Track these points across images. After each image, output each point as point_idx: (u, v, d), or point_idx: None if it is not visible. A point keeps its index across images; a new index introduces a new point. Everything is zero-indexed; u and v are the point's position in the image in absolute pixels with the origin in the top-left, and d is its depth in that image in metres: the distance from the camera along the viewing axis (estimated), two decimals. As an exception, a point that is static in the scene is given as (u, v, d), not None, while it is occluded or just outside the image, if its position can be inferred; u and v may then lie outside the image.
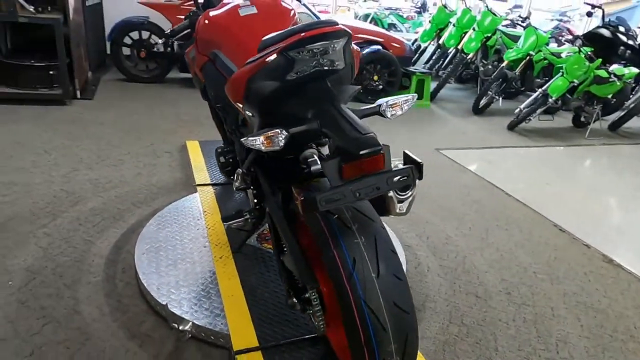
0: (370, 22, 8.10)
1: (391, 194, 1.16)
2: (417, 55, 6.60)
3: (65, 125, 3.36)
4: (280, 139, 0.89)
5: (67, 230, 2.03)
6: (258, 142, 0.87)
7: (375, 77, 5.10)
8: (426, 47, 6.49)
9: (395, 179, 0.89)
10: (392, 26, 8.01)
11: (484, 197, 2.95)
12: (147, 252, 1.82)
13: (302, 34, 0.85)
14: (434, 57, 6.25)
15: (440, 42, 6.05)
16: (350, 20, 5.93)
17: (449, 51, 5.92)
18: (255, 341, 1.42)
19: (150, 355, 1.43)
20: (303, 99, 0.94)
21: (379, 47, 5.01)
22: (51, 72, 3.76)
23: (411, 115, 4.89)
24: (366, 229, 0.98)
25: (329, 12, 7.73)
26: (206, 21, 1.55)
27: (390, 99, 0.97)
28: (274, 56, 0.88)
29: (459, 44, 5.60)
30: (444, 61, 6.03)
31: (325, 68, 0.89)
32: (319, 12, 8.48)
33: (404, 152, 0.95)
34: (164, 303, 1.52)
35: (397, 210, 1.17)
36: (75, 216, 2.15)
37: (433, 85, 5.59)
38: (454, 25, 5.83)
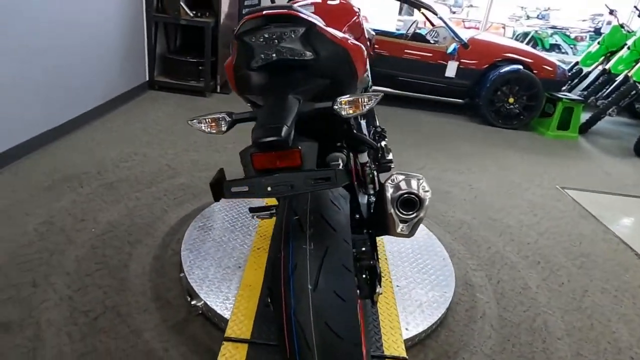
0: (529, 42, 7.32)
1: (391, 210, 1.04)
2: (576, 80, 5.72)
3: (197, 112, 3.87)
4: (222, 123, 0.87)
5: (153, 198, 2.34)
6: (204, 124, 0.88)
7: (511, 100, 4.59)
8: (589, 72, 5.57)
9: (314, 180, 0.79)
10: (555, 47, 7.10)
11: (599, 252, 2.39)
12: (199, 228, 1.98)
13: (246, 17, 0.83)
14: (595, 84, 5.33)
15: (607, 66, 5.13)
16: (493, 37, 5.44)
17: (616, 78, 4.98)
18: (248, 334, 1.42)
19: (161, 318, 1.55)
20: (263, 88, 0.91)
21: (520, 67, 4.50)
22: (200, 68, 4.39)
23: (548, 145, 4.26)
24: (321, 237, 0.90)
25: (479, 29, 7.24)
26: None
27: (352, 96, 0.87)
28: (236, 42, 0.88)
29: (630, 69, 4.66)
30: (607, 89, 5.09)
31: (288, 57, 0.85)
32: (469, 27, 8.02)
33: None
34: (181, 275, 1.63)
35: (399, 231, 1.05)
36: (165, 187, 2.46)
37: (586, 115, 4.77)
38: (628, 48, 4.89)
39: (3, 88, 2.36)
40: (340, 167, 1.26)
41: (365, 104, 0.85)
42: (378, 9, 6.34)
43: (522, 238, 2.43)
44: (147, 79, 4.25)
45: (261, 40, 0.82)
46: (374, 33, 1.96)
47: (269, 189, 0.75)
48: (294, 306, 0.84)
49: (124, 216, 2.15)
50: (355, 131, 1.31)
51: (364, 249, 1.12)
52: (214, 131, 0.89)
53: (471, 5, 9.47)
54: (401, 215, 1.09)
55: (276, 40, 0.83)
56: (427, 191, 1.10)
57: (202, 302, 1.56)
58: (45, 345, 1.39)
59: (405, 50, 4.64)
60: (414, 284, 1.79)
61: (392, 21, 6.88)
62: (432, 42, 4.87)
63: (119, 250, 1.89)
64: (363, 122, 1.61)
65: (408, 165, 3.28)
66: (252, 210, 1.58)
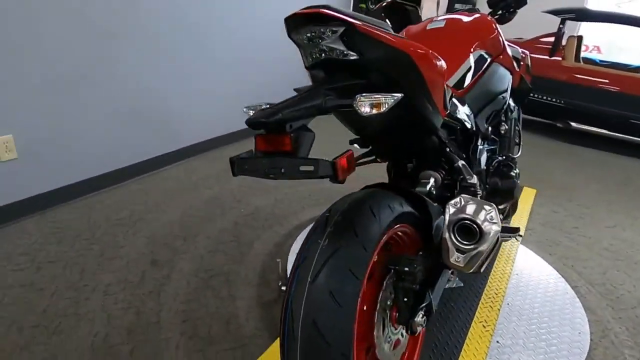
0: None
1: (446, 235, 0.97)
2: None
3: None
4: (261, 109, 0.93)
5: (298, 196, 2.61)
6: (251, 111, 0.94)
7: None
8: None
9: (302, 167, 0.78)
10: None
11: None
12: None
13: (286, 16, 0.87)
14: None
15: None
16: None
17: None
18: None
19: (257, 293, 1.74)
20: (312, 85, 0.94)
21: None
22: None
23: None
24: (338, 237, 0.89)
25: None
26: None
27: (372, 94, 0.81)
28: None
29: None
30: None
31: (333, 56, 0.86)
32: None
33: None
34: (277, 260, 1.78)
35: (452, 260, 0.97)
36: (311, 189, 2.71)
37: None
38: None
39: (207, 92, 3.06)
40: (429, 187, 1.19)
41: (384, 102, 0.81)
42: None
43: None
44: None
45: (305, 39, 0.88)
46: (523, 53, 1.72)
47: (266, 171, 0.80)
48: (292, 293, 0.86)
49: (269, 205, 2.47)
50: (450, 151, 1.22)
51: (407, 269, 1.03)
52: None
53: None
54: (456, 242, 0.97)
55: (318, 40, 0.87)
56: (494, 223, 0.96)
57: (291, 290, 1.68)
58: (170, 283, 1.75)
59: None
60: (522, 348, 1.49)
61: None
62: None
63: (252, 230, 2.19)
64: (481, 146, 1.45)
65: (596, 219, 2.68)
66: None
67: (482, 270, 1.06)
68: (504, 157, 1.56)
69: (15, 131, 2.02)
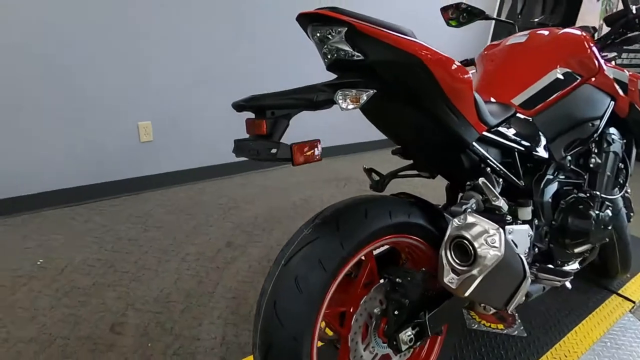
0: None
1: (442, 251, 0.93)
2: None
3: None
4: None
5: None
6: None
7: None
8: None
9: (272, 150, 0.80)
10: None
11: None
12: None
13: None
14: None
15: None
16: None
17: None
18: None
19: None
20: None
21: None
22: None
23: None
24: (320, 229, 0.91)
25: None
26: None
27: (351, 90, 0.78)
28: None
29: None
30: None
31: (341, 56, 0.88)
32: None
33: None
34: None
35: (445, 280, 0.93)
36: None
37: None
38: None
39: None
40: (469, 209, 1.12)
41: (359, 97, 0.80)
42: None
43: None
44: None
45: (317, 39, 0.92)
46: (634, 77, 1.42)
47: (249, 151, 0.86)
48: (269, 273, 0.92)
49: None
50: (491, 171, 1.12)
51: (399, 280, 0.98)
52: None
53: None
54: (451, 261, 0.91)
55: (327, 40, 0.91)
56: (493, 247, 0.87)
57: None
58: (235, 264, 1.94)
59: None
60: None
61: None
62: None
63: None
64: (551, 176, 1.28)
65: None
66: None
67: (482, 302, 0.95)
68: (587, 195, 1.33)
69: (154, 118, 2.50)
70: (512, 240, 1.13)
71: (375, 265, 1.04)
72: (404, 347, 0.97)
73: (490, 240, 0.87)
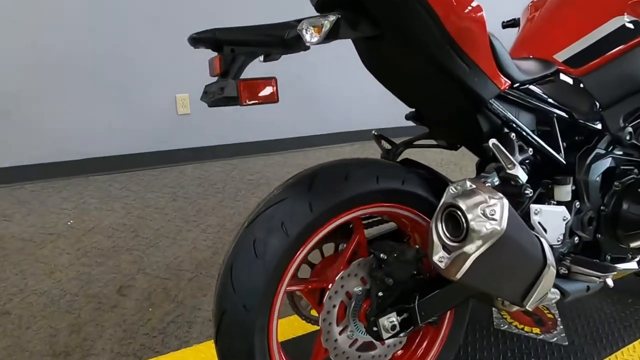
0: None
1: (433, 223, 0.78)
2: None
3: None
4: None
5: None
6: None
7: None
8: None
9: (220, 87, 0.69)
10: None
11: None
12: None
13: None
14: None
15: None
16: None
17: None
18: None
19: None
20: None
21: None
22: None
23: None
24: (289, 192, 0.79)
25: None
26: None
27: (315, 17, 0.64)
28: None
29: None
30: None
31: None
32: None
33: None
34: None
35: (435, 258, 0.77)
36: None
37: None
38: None
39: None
40: (489, 184, 0.94)
41: (322, 24, 0.66)
42: None
43: None
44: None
45: None
46: None
47: (205, 94, 0.76)
48: (235, 234, 0.83)
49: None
50: (517, 137, 0.92)
51: (384, 256, 0.83)
52: None
53: None
54: (441, 234, 0.75)
55: None
56: (490, 219, 0.70)
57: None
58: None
59: None
60: None
61: None
62: None
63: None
64: (602, 150, 1.05)
65: None
66: None
67: (491, 292, 0.78)
68: (649, 177, 1.07)
69: (191, 91, 2.51)
70: (539, 223, 0.93)
71: (365, 240, 0.90)
72: (385, 335, 0.83)
73: (490, 212, 0.70)
